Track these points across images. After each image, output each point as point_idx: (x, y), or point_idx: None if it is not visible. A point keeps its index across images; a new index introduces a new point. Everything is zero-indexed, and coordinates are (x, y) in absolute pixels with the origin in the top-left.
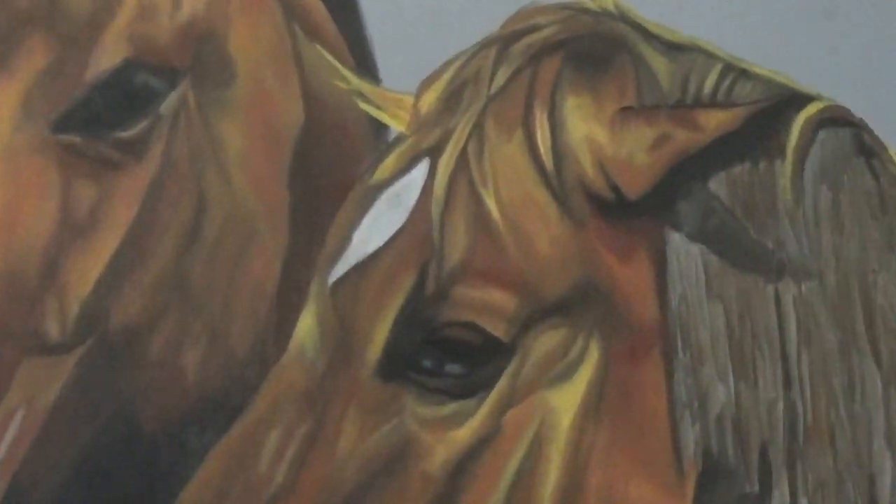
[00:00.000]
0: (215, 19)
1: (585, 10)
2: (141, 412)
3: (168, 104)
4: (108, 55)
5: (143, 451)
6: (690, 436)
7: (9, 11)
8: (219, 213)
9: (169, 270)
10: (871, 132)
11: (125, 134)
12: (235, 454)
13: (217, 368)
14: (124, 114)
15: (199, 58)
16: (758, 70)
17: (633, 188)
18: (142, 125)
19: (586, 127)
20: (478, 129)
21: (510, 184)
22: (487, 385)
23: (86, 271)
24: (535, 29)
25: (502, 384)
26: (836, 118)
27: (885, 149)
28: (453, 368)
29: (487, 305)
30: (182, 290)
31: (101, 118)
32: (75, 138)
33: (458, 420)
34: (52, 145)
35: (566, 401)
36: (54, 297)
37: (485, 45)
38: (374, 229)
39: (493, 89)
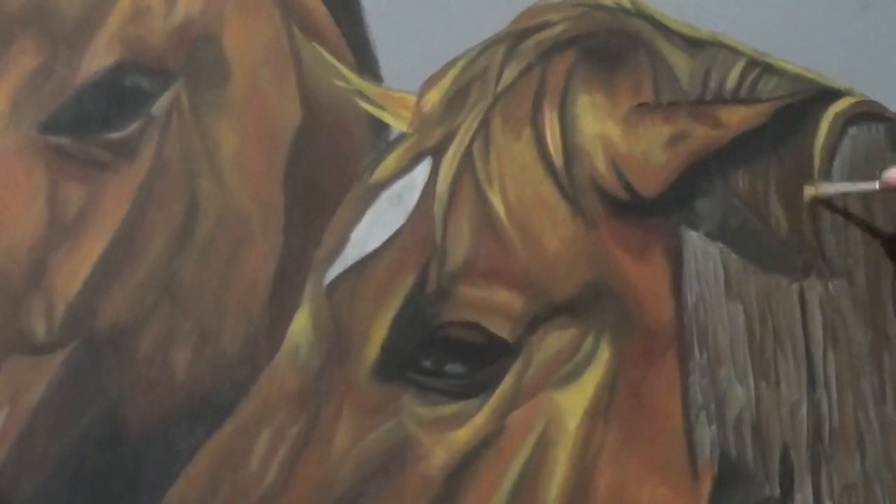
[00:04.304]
0: (210, 20)
1: (600, 7)
2: (127, 411)
3: (160, 105)
4: (99, 57)
5: (129, 449)
6: (706, 438)
7: None
8: (211, 213)
9: (159, 271)
10: None
11: (115, 135)
12: (225, 453)
13: (207, 368)
14: (115, 115)
15: (194, 59)
16: (785, 65)
17: (649, 187)
18: (133, 126)
19: (599, 124)
20: (484, 127)
21: (517, 183)
22: (490, 385)
23: (73, 272)
24: (546, 26)
25: (506, 384)
26: (870, 113)
27: None
28: (455, 369)
29: (492, 305)
30: (172, 290)
31: (92, 119)
32: (64, 139)
33: (460, 420)
34: (40, 146)
35: (574, 401)
36: (41, 297)
37: (492, 42)
38: (374, 228)
39: (501, 87)
